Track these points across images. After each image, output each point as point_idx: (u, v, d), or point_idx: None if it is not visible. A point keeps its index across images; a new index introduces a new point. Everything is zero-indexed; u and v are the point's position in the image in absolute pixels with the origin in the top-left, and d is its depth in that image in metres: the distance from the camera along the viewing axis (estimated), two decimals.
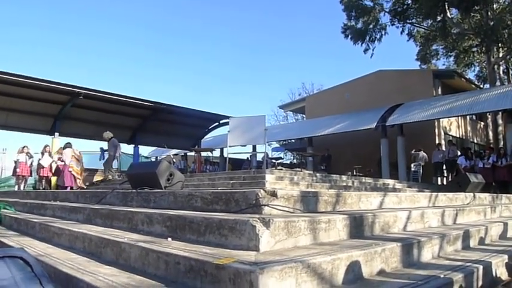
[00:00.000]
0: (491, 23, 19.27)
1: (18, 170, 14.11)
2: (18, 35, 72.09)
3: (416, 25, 24.49)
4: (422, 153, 17.56)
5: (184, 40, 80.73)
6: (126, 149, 21.94)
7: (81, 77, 77.18)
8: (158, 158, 23.76)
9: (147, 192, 4.84)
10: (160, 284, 2.31)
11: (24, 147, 14.43)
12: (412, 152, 17.44)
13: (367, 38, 23.61)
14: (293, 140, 27.51)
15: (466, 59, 25.38)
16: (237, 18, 79.50)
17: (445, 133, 20.22)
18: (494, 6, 20.55)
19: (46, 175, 14.24)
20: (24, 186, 14.55)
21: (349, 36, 23.75)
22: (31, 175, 14.96)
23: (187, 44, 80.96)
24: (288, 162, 33.01)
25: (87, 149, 18.93)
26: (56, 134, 15.89)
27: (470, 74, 28.46)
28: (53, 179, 14.73)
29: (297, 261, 2.11)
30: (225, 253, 2.40)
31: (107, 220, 4.21)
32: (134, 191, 5.16)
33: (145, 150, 26.45)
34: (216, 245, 2.72)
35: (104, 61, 79.37)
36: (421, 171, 17.54)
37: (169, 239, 3.03)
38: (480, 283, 2.80)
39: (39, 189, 13.87)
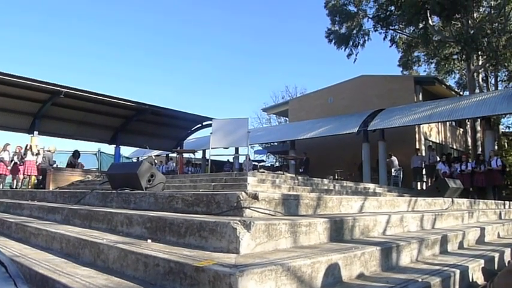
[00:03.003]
0: (472, 32, 19.65)
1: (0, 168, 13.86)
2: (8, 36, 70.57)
3: (399, 32, 24.85)
4: (393, 158, 17.88)
5: (169, 41, 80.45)
6: (107, 149, 21.77)
7: (66, 78, 76.13)
8: (140, 158, 23.54)
9: (128, 193, 4.78)
10: (138, 286, 2.28)
11: (7, 144, 14.18)
12: (387, 159, 17.77)
13: (351, 43, 23.91)
14: (276, 143, 27.57)
15: (446, 66, 25.84)
16: (220, 20, 79.55)
17: (426, 139, 20.53)
18: (475, 15, 20.99)
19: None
20: (2, 185, 14.28)
21: (333, 41, 24.00)
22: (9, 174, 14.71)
23: (171, 46, 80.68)
24: (270, 165, 33.05)
25: (69, 148, 18.68)
26: (35, 132, 15.61)
27: (451, 81, 29.04)
28: (33, 178, 14.56)
29: (277, 264, 2.11)
30: (205, 255, 2.38)
31: (85, 221, 4.14)
32: (114, 191, 5.09)
33: (126, 151, 26.20)
34: (196, 247, 2.70)
35: (88, 62, 78.47)
36: (401, 175, 17.79)
37: (149, 240, 3.00)
38: (457, 287, 2.84)
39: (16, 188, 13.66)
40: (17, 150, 14.38)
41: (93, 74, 75.53)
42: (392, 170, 17.79)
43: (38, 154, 14.67)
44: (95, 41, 77.37)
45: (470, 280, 3.10)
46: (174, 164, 23.33)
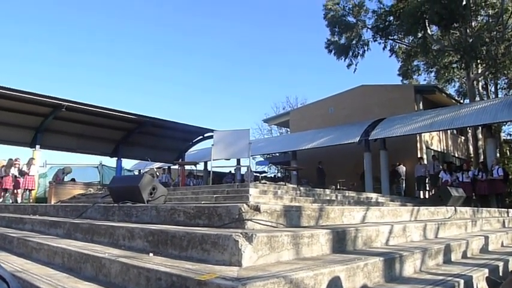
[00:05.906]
0: (470, 40, 19.74)
1: (4, 183, 13.85)
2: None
3: (398, 41, 24.94)
4: (401, 166, 17.96)
5: (168, 52, 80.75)
6: (109, 162, 21.77)
7: (66, 90, 76.40)
8: (141, 171, 23.52)
9: (129, 207, 4.77)
10: None
11: (16, 159, 14.20)
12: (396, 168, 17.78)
13: (350, 53, 24.01)
14: (277, 154, 27.56)
15: (446, 74, 25.85)
16: (219, 30, 79.94)
17: (427, 147, 20.51)
18: (473, 24, 21.08)
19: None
20: (4, 200, 14.27)
21: (333, 52, 24.11)
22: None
23: (170, 56, 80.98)
24: (272, 175, 33.00)
25: (71, 162, 18.70)
26: (37, 146, 15.65)
27: (451, 90, 29.03)
28: (33, 192, 14.55)
29: (280, 276, 2.10)
30: (208, 269, 2.37)
31: (87, 235, 4.13)
32: (116, 205, 5.09)
33: (128, 164, 26.19)
34: (198, 260, 2.69)
35: (90, 74, 78.68)
36: (403, 185, 17.74)
37: (151, 254, 2.99)
38: None
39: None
40: (18, 162, 14.36)
41: (92, 86, 75.74)
42: (400, 179, 17.85)
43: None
44: (92, 52, 77.75)
45: None
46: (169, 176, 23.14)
